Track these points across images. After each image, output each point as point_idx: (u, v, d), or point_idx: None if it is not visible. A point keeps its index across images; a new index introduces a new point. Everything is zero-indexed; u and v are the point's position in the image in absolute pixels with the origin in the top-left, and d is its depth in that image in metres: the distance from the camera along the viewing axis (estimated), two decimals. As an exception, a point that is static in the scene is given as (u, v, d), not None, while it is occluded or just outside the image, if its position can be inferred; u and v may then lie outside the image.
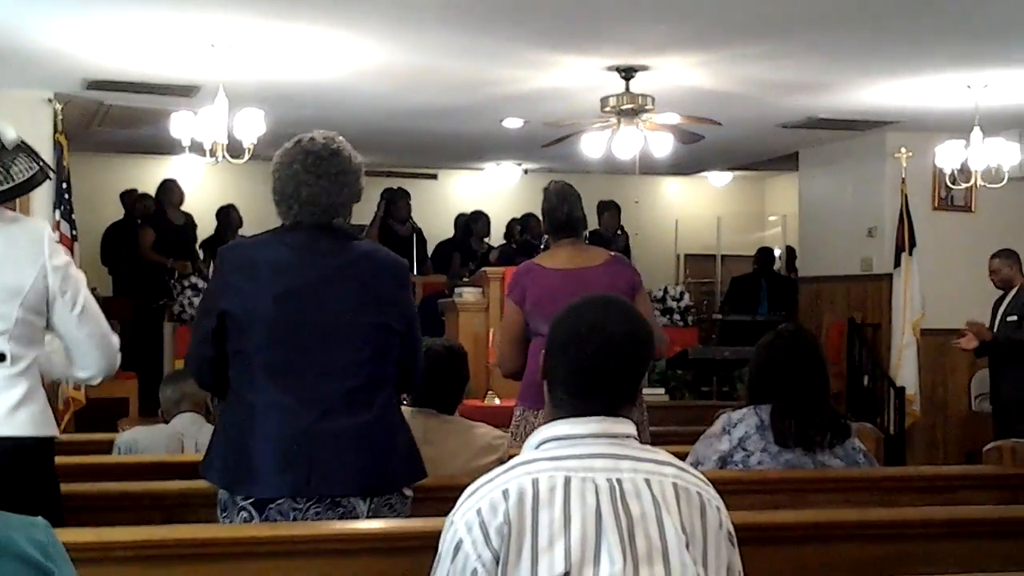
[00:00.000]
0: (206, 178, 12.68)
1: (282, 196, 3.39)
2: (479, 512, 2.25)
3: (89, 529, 2.99)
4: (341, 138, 3.45)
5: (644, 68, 7.86)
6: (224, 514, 3.31)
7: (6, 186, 3.21)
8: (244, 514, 3.25)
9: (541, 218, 5.32)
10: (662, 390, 9.18)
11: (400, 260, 3.57)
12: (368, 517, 3.29)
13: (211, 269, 11.52)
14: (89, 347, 3.38)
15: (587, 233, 11.80)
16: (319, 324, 3.30)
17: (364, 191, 3.50)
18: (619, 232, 12.09)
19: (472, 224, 12.66)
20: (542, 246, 12.38)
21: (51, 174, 3.41)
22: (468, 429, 4.15)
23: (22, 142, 3.32)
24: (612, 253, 5.32)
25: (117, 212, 11.97)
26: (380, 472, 3.32)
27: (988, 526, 3.51)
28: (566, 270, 5.05)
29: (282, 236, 3.42)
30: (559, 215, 5.18)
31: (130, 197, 12.05)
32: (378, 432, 3.35)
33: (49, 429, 3.28)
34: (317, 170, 3.35)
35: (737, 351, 9.76)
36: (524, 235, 12.76)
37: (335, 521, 3.25)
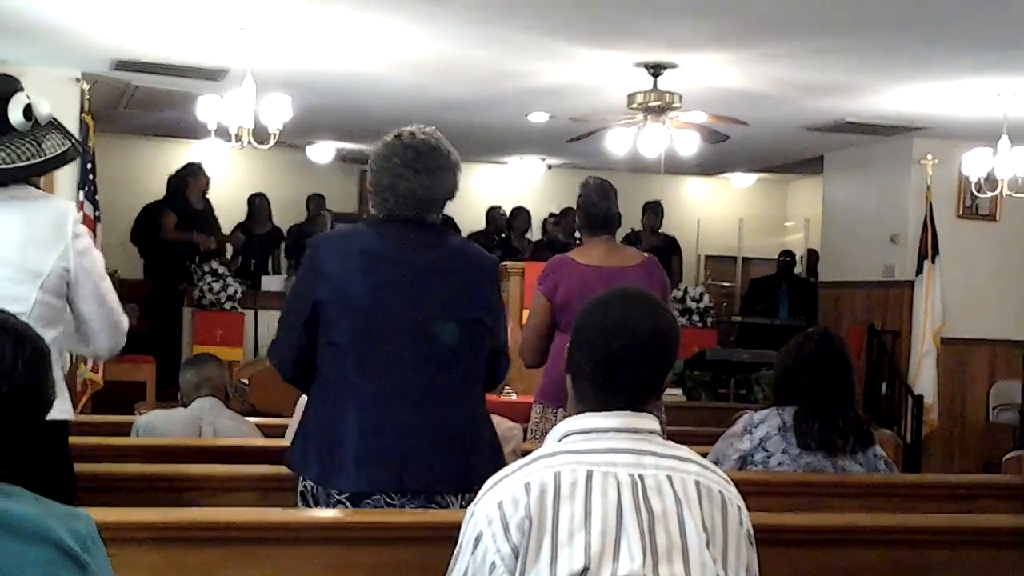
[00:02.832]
0: (230, 163, 12.70)
1: (378, 188, 3.37)
2: (500, 505, 2.24)
3: (106, 509, 2.98)
4: (440, 134, 3.43)
5: (672, 65, 7.83)
6: (314, 507, 3.28)
7: (37, 160, 3.20)
8: (340, 508, 3.23)
9: (576, 213, 5.28)
10: (679, 390, 9.16)
11: (492, 257, 3.59)
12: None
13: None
14: (100, 329, 3.39)
15: (636, 230, 11.92)
16: (414, 318, 3.29)
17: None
18: (663, 235, 12.11)
19: (513, 220, 12.67)
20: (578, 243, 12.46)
21: (82, 150, 3.40)
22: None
23: (54, 119, 3.32)
24: (646, 254, 5.31)
25: (142, 195, 11.93)
26: (472, 468, 3.28)
27: (1007, 535, 3.49)
28: (600, 267, 5.03)
29: (377, 228, 3.40)
30: (597, 211, 5.15)
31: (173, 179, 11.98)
32: (470, 428, 3.36)
33: (63, 412, 3.24)
34: (416, 165, 3.33)
35: (756, 354, 9.74)
36: (556, 231, 12.80)
37: (344, 510, 3.23)
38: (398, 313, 3.28)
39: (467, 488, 3.27)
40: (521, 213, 12.78)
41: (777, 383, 4.22)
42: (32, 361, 2.04)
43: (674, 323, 2.47)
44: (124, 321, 3.47)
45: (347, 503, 3.23)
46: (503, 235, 12.69)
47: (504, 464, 3.41)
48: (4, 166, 3.16)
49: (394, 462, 3.23)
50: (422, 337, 3.30)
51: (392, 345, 3.28)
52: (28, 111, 3.20)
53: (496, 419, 4.21)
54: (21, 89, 3.24)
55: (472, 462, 3.31)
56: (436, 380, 3.31)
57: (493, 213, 12.84)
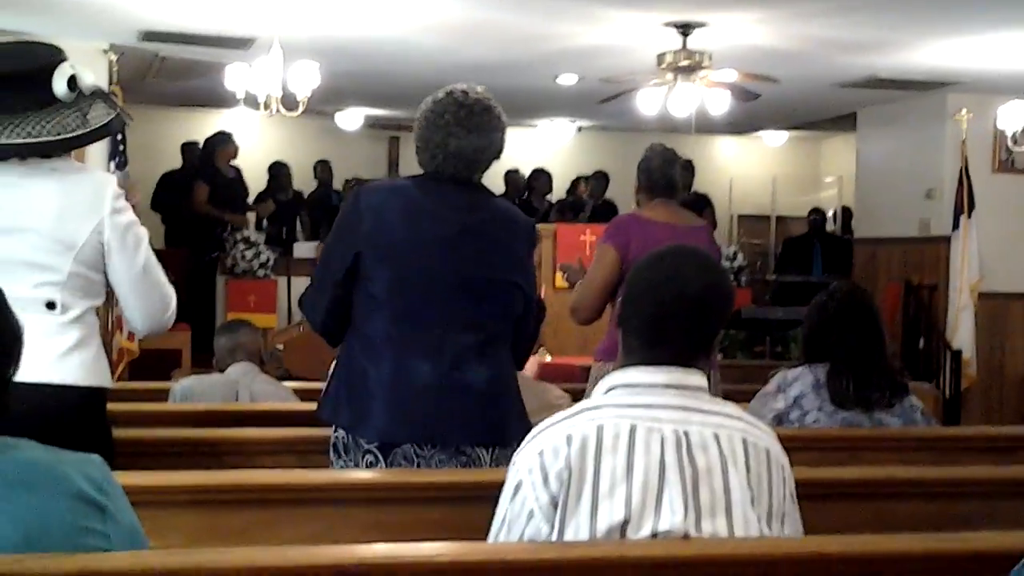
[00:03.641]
0: (259, 132, 12.72)
1: (427, 144, 3.37)
2: (541, 455, 2.24)
3: (146, 473, 3.01)
4: (491, 94, 3.43)
5: (702, 24, 7.76)
6: (345, 457, 3.31)
7: (83, 131, 3.17)
8: (369, 457, 3.26)
9: (637, 176, 5.24)
10: (715, 349, 9.14)
11: (530, 220, 3.60)
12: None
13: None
14: (143, 305, 3.33)
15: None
16: (451, 276, 3.30)
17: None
18: (695, 193, 12.02)
19: (534, 182, 12.65)
20: (589, 207, 12.37)
21: (129, 120, 3.37)
22: (533, 385, 4.15)
23: (99, 88, 3.28)
24: (702, 219, 5.34)
25: (170, 164, 12.00)
26: (500, 424, 3.35)
27: (1049, 487, 3.46)
28: (675, 225, 5.03)
29: (421, 184, 3.40)
30: (661, 178, 5.14)
31: (190, 149, 12.06)
32: (501, 387, 3.38)
33: (100, 379, 3.23)
34: (468, 124, 3.32)
35: (790, 311, 9.69)
36: (584, 190, 12.79)
37: (383, 470, 3.24)
38: (437, 269, 3.29)
39: (495, 443, 3.32)
40: (542, 175, 12.73)
41: (806, 341, 4.20)
42: None
43: (727, 282, 2.47)
44: (171, 298, 3.40)
45: (377, 453, 3.26)
46: (523, 196, 12.67)
47: (530, 425, 3.44)
48: (50, 138, 3.13)
49: (424, 414, 3.26)
50: (459, 295, 3.31)
51: (428, 301, 3.29)
52: (73, 82, 3.16)
53: (544, 386, 4.22)
54: (65, 59, 3.20)
55: (501, 419, 3.36)
56: (468, 338, 3.32)
57: (512, 176, 12.77)
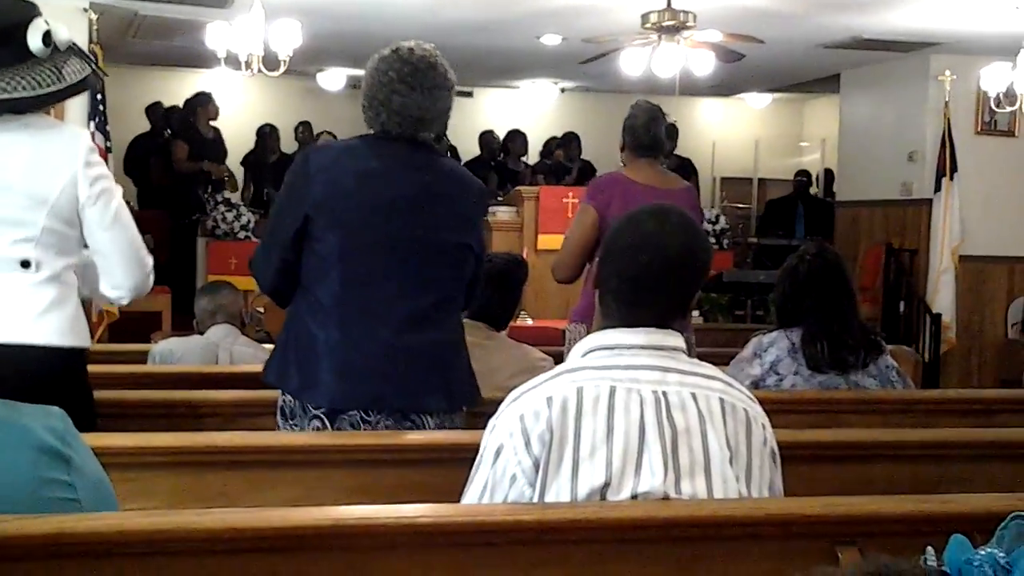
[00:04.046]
0: (241, 92, 12.64)
1: (371, 102, 3.33)
2: (522, 418, 2.23)
3: (125, 434, 2.99)
4: (438, 51, 3.37)
5: (686, -17, 7.74)
6: (292, 422, 3.29)
7: (58, 87, 3.14)
8: (316, 423, 3.25)
9: (623, 134, 5.19)
10: (696, 312, 9.13)
11: (481, 183, 3.57)
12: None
13: (244, 185, 11.62)
14: (119, 261, 3.27)
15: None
16: (402, 238, 3.27)
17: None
18: (678, 156, 11.96)
19: (509, 143, 12.61)
20: (575, 170, 12.31)
21: (104, 76, 3.33)
22: (515, 347, 4.13)
23: (74, 44, 3.25)
24: (685, 181, 5.30)
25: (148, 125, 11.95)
26: (449, 390, 3.33)
27: (1028, 449, 3.47)
28: (656, 188, 4.96)
29: (372, 144, 3.37)
30: (646, 136, 5.08)
31: (154, 111, 12.03)
32: (450, 351, 3.36)
33: (79, 339, 3.20)
34: (412, 81, 3.28)
35: (772, 275, 9.57)
36: (560, 155, 12.72)
37: (363, 432, 3.24)
38: (386, 232, 3.26)
39: (443, 409, 3.31)
40: (519, 136, 12.69)
41: (779, 306, 4.20)
42: None
43: (705, 243, 2.45)
44: (148, 258, 3.36)
45: (324, 418, 3.24)
46: (498, 158, 12.62)
47: (478, 388, 3.43)
48: (25, 94, 3.09)
49: (372, 379, 3.23)
50: (408, 257, 3.28)
51: (378, 263, 3.26)
52: (47, 37, 3.13)
53: (526, 348, 4.20)
54: (39, 15, 3.17)
55: (450, 384, 3.34)
56: (419, 301, 3.29)
57: (487, 137, 12.74)
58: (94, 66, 3.29)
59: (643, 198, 4.75)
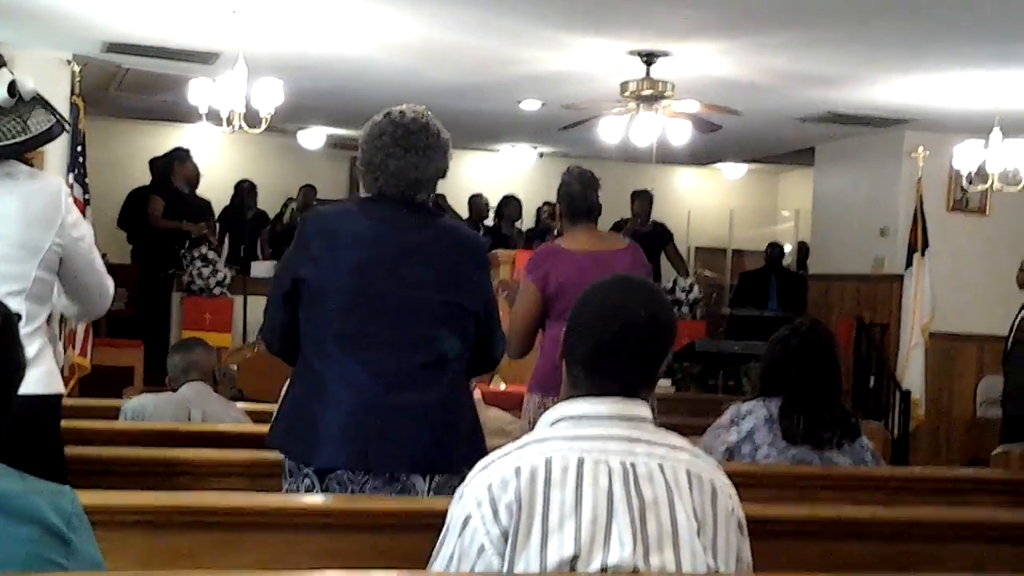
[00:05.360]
0: (220, 148, 12.67)
1: (368, 167, 3.38)
2: (489, 488, 2.23)
3: (95, 492, 2.97)
4: (430, 113, 3.43)
5: (665, 54, 7.83)
6: (290, 480, 3.32)
7: (23, 138, 3.19)
8: (307, 481, 3.27)
9: (557, 201, 5.25)
10: (668, 381, 9.16)
11: (480, 240, 3.62)
12: (429, 496, 3.28)
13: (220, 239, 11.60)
14: (87, 299, 3.44)
15: (624, 219, 11.86)
16: (394, 298, 3.30)
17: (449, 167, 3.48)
18: (653, 222, 12.02)
19: (503, 208, 12.61)
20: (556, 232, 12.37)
21: (68, 127, 3.40)
22: (484, 409, 4.13)
23: (39, 95, 3.30)
24: (627, 239, 5.32)
25: (131, 179, 11.85)
26: (441, 451, 3.31)
27: (996, 529, 3.48)
28: (592, 252, 5.01)
29: (366, 207, 3.42)
30: (580, 201, 5.14)
31: (157, 163, 11.94)
32: (443, 410, 3.34)
33: (57, 386, 3.31)
34: (406, 143, 3.33)
35: (745, 346, 9.74)
36: (550, 220, 12.78)
37: (332, 496, 3.23)
38: (379, 292, 3.30)
39: (434, 471, 3.30)
40: (512, 201, 12.71)
41: (764, 374, 4.22)
42: (2, 329, 2.03)
43: (670, 312, 2.47)
44: (110, 285, 3.52)
45: (315, 478, 3.26)
46: (487, 222, 12.63)
47: (485, 450, 3.42)
48: None
49: (356, 439, 3.24)
50: (397, 318, 3.30)
51: (370, 324, 3.29)
52: (12, 87, 3.19)
53: (496, 412, 4.21)
54: (4, 65, 3.23)
55: (443, 445, 3.32)
56: (412, 361, 3.31)
57: (475, 200, 12.72)
58: (59, 116, 3.35)
59: (582, 264, 4.85)
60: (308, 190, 12.50)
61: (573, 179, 5.16)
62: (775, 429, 4.04)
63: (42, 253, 3.21)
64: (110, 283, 3.51)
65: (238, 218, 11.84)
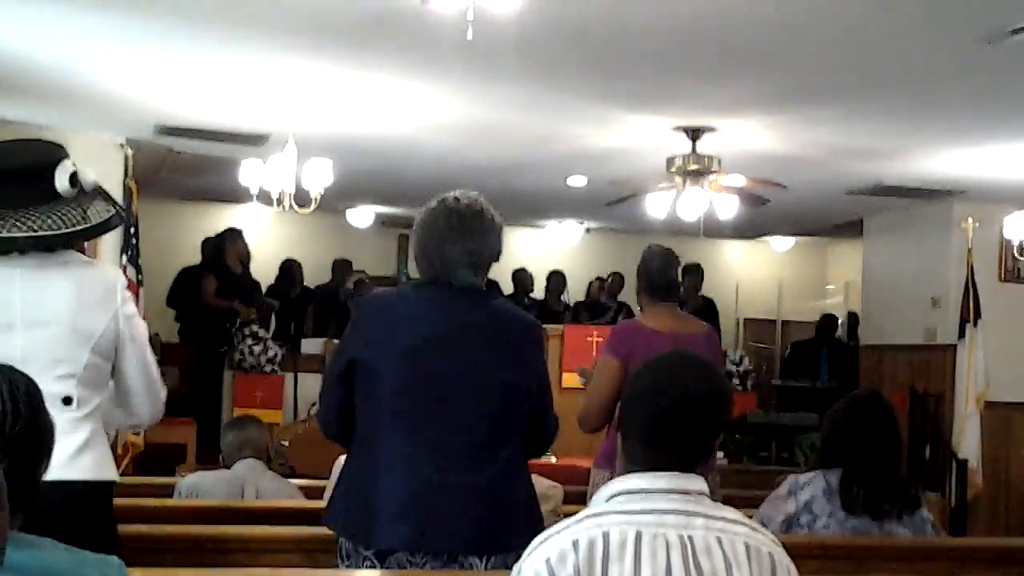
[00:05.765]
0: (270, 227, 12.80)
1: (424, 252, 3.42)
2: (548, 561, 2.22)
3: (151, 569, 2.99)
4: (483, 198, 3.48)
5: (711, 129, 7.86)
6: (348, 563, 3.31)
7: (83, 227, 3.25)
8: (367, 564, 3.26)
9: (637, 279, 5.25)
10: (721, 453, 9.09)
11: (534, 320, 3.60)
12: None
13: (272, 320, 11.69)
14: (142, 396, 3.43)
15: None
16: (447, 378, 3.32)
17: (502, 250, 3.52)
18: (702, 297, 12.03)
19: (549, 283, 12.73)
20: (614, 308, 12.30)
21: (124, 216, 3.46)
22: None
23: (99, 186, 3.38)
24: (706, 324, 5.31)
25: (183, 259, 12.00)
26: (497, 530, 3.30)
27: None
28: (675, 334, 4.98)
29: (420, 291, 3.46)
30: (661, 280, 5.14)
31: (209, 243, 12.07)
32: (498, 489, 3.34)
33: (110, 473, 3.31)
34: (461, 229, 3.38)
35: (796, 417, 9.67)
36: (601, 294, 12.82)
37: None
38: (432, 373, 3.32)
39: (491, 550, 3.28)
40: (557, 276, 12.81)
41: (824, 445, 4.19)
42: (28, 402, 2.05)
43: (726, 386, 2.48)
44: (163, 392, 3.52)
45: (374, 560, 3.25)
46: (532, 296, 12.69)
47: (543, 528, 3.40)
48: (52, 232, 3.20)
49: (410, 520, 3.24)
50: (457, 397, 3.32)
51: (424, 405, 3.31)
52: (74, 178, 3.26)
53: (535, 478, 4.18)
54: (67, 156, 3.31)
55: (499, 525, 3.31)
56: (467, 441, 3.31)
57: (519, 274, 12.83)
58: (118, 207, 3.42)
59: (665, 345, 4.78)
60: (292, 264, 12.37)
61: (652, 256, 5.17)
62: (834, 500, 4.00)
63: (95, 338, 3.24)
64: (163, 392, 3.51)
65: (284, 296, 11.93)
